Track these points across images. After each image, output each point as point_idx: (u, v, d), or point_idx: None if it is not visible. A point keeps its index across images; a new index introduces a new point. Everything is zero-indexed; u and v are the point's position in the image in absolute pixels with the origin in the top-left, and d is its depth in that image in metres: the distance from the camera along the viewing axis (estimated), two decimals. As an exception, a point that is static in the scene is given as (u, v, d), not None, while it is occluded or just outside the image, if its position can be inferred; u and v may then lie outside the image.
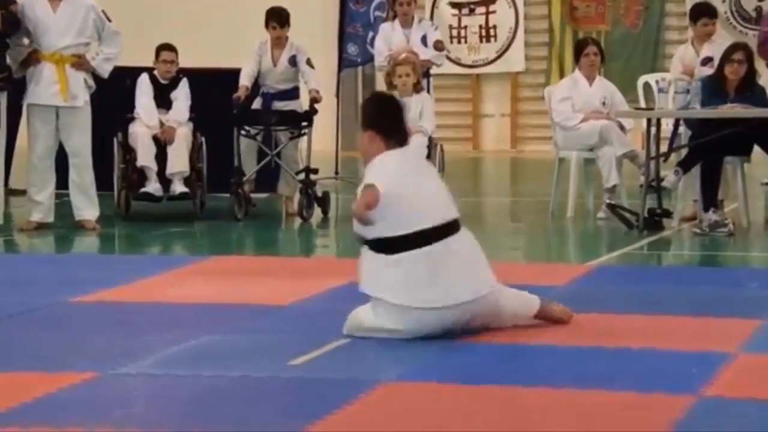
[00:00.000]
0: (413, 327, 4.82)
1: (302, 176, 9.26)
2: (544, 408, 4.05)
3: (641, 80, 11.12)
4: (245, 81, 9.35)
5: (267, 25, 9.49)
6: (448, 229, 4.88)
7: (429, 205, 4.90)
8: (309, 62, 9.45)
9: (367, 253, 4.90)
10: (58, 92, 8.50)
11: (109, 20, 8.72)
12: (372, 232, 4.85)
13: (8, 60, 8.52)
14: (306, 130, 9.24)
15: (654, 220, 8.51)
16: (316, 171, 9.42)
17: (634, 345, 4.87)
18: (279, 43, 9.49)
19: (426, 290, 4.79)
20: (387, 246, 4.83)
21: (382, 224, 4.81)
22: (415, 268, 4.80)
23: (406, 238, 4.82)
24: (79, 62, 8.58)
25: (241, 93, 9.25)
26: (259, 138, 9.38)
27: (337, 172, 10.65)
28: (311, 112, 9.23)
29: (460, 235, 4.93)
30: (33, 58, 8.54)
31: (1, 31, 8.27)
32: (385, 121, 4.94)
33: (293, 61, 9.49)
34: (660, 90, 9.02)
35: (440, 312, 4.83)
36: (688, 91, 8.72)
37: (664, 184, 8.64)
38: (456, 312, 4.85)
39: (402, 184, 4.87)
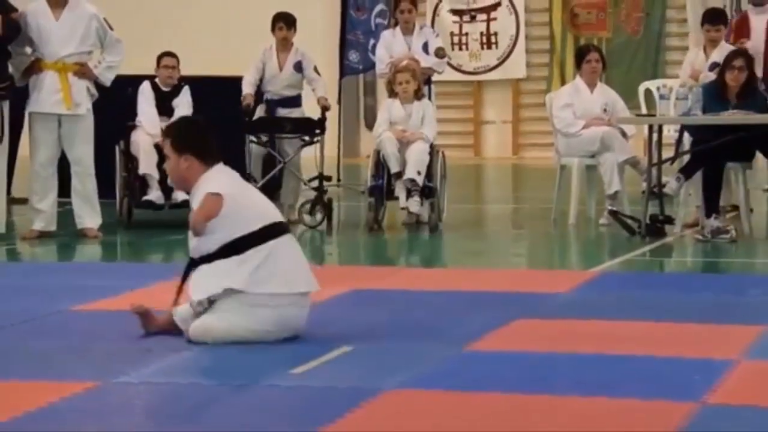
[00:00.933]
0: (264, 323, 4.96)
1: (315, 183, 9.27)
2: (547, 415, 4.04)
3: (642, 87, 11.12)
4: (248, 89, 9.37)
5: (273, 28, 9.52)
6: (281, 228, 5.15)
7: (262, 206, 5.19)
8: (316, 69, 9.49)
9: (204, 267, 5.03)
10: (60, 100, 8.51)
11: (111, 28, 8.73)
12: (216, 243, 5.01)
13: (10, 69, 8.53)
14: (318, 138, 9.27)
15: (656, 227, 8.51)
16: (329, 178, 9.44)
17: (637, 352, 4.87)
18: (285, 46, 9.50)
19: (272, 280, 5.00)
20: (235, 248, 5.01)
21: (225, 231, 5.01)
22: (264, 261, 5.00)
23: (253, 234, 5.03)
24: (82, 70, 8.59)
25: (249, 101, 9.28)
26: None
27: (339, 179, 10.66)
28: (323, 120, 9.27)
29: (290, 236, 5.18)
30: (35, 66, 8.55)
31: (1, 39, 8.27)
32: (198, 143, 5.17)
33: (299, 67, 9.51)
34: (661, 96, 9.03)
35: (289, 299, 5.01)
36: (688, 98, 8.73)
37: (665, 190, 8.64)
38: (299, 303, 5.04)
39: (237, 190, 5.15)
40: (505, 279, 6.93)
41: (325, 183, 9.28)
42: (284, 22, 9.48)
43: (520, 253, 8.77)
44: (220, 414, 4.09)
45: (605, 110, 9.40)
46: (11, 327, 5.41)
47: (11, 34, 8.32)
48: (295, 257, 5.12)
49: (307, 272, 5.13)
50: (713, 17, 9.46)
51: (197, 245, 5.07)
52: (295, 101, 9.65)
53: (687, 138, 8.91)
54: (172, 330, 5.11)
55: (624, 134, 9.32)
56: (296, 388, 4.38)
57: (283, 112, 9.57)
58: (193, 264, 5.08)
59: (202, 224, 5.02)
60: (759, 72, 9.00)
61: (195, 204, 5.10)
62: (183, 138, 5.17)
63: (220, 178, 5.11)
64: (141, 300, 5.99)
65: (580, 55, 9.62)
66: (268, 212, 5.15)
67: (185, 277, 5.11)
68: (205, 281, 5.02)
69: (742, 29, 9.64)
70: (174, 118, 9.23)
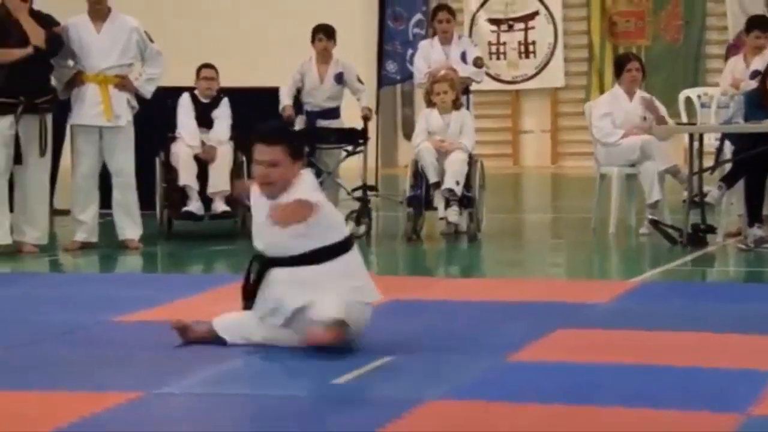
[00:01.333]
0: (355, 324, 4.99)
1: (358, 193, 9.29)
2: (589, 426, 4.02)
3: (682, 95, 11.07)
4: (287, 100, 9.41)
5: (313, 40, 9.56)
6: (352, 240, 5.23)
7: (340, 217, 5.29)
8: (359, 79, 9.53)
9: (279, 271, 5.00)
10: (101, 113, 8.57)
11: (152, 41, 8.80)
12: (301, 248, 4.99)
13: (53, 81, 8.61)
14: (361, 148, 9.29)
15: (698, 236, 8.45)
16: (373, 188, 9.47)
17: (679, 363, 4.83)
18: (325, 57, 9.53)
19: (367, 287, 5.10)
20: (317, 257, 5.00)
21: (314, 238, 5.00)
22: (354, 269, 5.09)
23: (337, 245, 5.07)
24: (122, 83, 8.66)
25: (290, 112, 9.32)
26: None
27: (377, 189, 10.66)
28: (366, 130, 9.30)
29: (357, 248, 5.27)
30: (77, 79, 8.62)
31: (45, 52, 8.35)
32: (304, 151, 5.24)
33: (340, 79, 9.54)
34: (702, 105, 8.97)
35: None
36: (729, 106, 8.67)
37: (707, 199, 8.59)
38: (366, 311, 5.13)
39: (323, 197, 5.20)
40: (544, 289, 6.90)
41: (368, 193, 9.30)
42: (324, 33, 9.52)
43: (559, 263, 8.74)
44: (263, 424, 4.10)
45: (644, 118, 9.36)
46: (54, 338, 5.45)
47: (54, 47, 8.40)
48: (363, 268, 5.19)
49: (372, 282, 5.18)
50: (762, 24, 9.39)
51: (278, 242, 4.98)
52: (334, 113, 9.69)
53: (728, 146, 8.86)
54: (212, 342, 5.09)
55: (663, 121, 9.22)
56: (338, 399, 4.38)
57: (323, 123, 9.60)
58: (267, 263, 5.01)
59: (295, 222, 4.94)
60: None
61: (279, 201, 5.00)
62: (299, 144, 5.14)
63: (314, 183, 5.14)
64: (181, 311, 6.03)
65: (620, 64, 9.58)
66: (344, 223, 5.26)
67: (259, 278, 5.04)
68: (301, 284, 4.96)
69: None
70: (216, 129, 9.32)
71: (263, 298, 5.07)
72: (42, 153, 8.40)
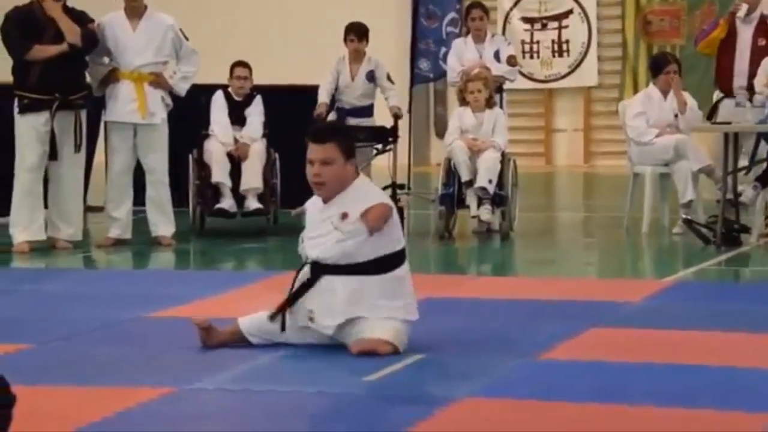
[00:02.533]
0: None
1: (388, 192, 9.28)
2: (622, 425, 4.01)
3: (717, 94, 10.98)
4: (324, 97, 9.41)
5: (345, 39, 9.56)
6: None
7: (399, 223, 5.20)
8: (389, 77, 9.51)
9: (344, 279, 4.93)
10: (136, 110, 8.62)
11: (187, 39, 8.83)
12: (366, 255, 4.93)
13: (88, 78, 8.67)
14: (391, 146, 9.28)
15: (732, 236, 8.40)
16: (402, 186, 9.45)
17: (712, 362, 4.81)
18: (357, 57, 9.54)
19: (412, 305, 5.07)
20: (385, 264, 4.96)
21: (380, 244, 4.96)
22: (406, 284, 5.07)
23: (400, 253, 5.06)
24: (157, 80, 8.69)
25: (322, 110, 9.32)
26: None
27: (409, 188, 10.66)
28: (396, 128, 9.29)
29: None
30: (112, 76, 8.66)
31: (80, 49, 8.41)
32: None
33: (371, 77, 9.54)
34: (737, 104, 8.91)
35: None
36: (765, 105, 8.61)
37: (742, 199, 8.53)
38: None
39: None
40: (577, 288, 6.89)
41: (403, 192, 9.30)
42: (355, 34, 9.51)
43: (592, 261, 8.71)
44: (294, 421, 4.11)
45: (676, 116, 9.30)
46: (87, 334, 5.49)
47: (89, 44, 8.45)
48: (410, 281, 5.11)
49: (414, 298, 5.11)
50: None
51: (344, 250, 4.91)
52: (366, 111, 9.68)
53: (763, 146, 8.79)
54: (236, 342, 5.03)
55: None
56: (369, 396, 4.39)
57: (353, 121, 9.60)
58: (323, 270, 4.94)
59: (382, 226, 4.91)
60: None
61: (360, 209, 4.93)
62: (350, 142, 5.07)
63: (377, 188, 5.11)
64: (213, 308, 6.06)
65: (658, 65, 9.52)
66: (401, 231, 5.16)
67: (312, 282, 4.95)
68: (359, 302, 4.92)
69: None
70: (249, 127, 9.34)
71: (316, 303, 4.94)
72: (77, 149, 8.45)
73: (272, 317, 5.02)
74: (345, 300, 4.93)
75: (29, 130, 8.33)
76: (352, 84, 9.56)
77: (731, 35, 9.42)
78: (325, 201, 5.01)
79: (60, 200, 8.52)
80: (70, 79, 8.40)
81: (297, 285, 5.01)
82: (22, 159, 8.39)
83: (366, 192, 5.03)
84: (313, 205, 5.10)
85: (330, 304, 4.94)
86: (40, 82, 8.28)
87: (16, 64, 8.36)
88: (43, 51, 8.30)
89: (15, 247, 8.33)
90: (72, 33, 8.35)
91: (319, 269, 4.96)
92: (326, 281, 4.95)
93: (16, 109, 8.38)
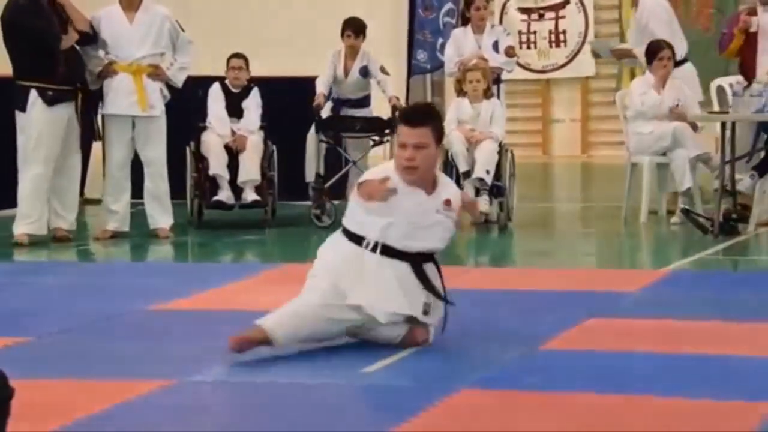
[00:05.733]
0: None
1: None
2: (622, 415, 4.01)
3: (714, 83, 10.99)
4: (322, 88, 9.38)
5: (342, 34, 9.53)
6: None
7: None
8: (383, 69, 9.47)
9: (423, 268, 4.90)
10: (135, 102, 8.61)
11: (183, 30, 8.82)
12: (439, 244, 4.95)
13: (88, 76, 8.64)
14: (388, 137, 9.28)
15: (729, 225, 8.40)
16: None
17: (711, 351, 4.82)
18: (352, 53, 9.52)
19: None
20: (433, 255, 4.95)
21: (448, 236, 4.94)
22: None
23: None
24: (156, 72, 8.68)
25: (320, 101, 9.29)
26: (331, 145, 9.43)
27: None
28: (394, 119, 9.27)
29: None
30: (110, 69, 8.65)
31: (90, 38, 8.41)
32: None
33: (364, 72, 9.52)
34: (734, 93, 8.91)
35: None
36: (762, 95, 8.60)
37: (739, 188, 8.53)
38: None
39: None
40: (575, 278, 6.89)
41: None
42: (352, 30, 9.47)
43: (590, 252, 8.71)
44: (295, 412, 4.12)
45: (677, 105, 9.30)
46: (86, 326, 5.49)
47: (96, 34, 8.47)
48: None
49: None
50: None
51: (444, 240, 4.89)
52: (362, 102, 9.67)
53: (761, 136, 8.79)
54: (261, 343, 4.73)
55: (695, 126, 9.20)
56: (369, 387, 4.39)
57: (350, 112, 9.60)
58: (426, 258, 4.87)
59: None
60: None
61: (452, 194, 4.86)
62: (443, 127, 4.94)
63: None
64: (212, 300, 6.06)
65: (652, 51, 9.52)
66: None
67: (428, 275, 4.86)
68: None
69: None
70: (246, 119, 9.33)
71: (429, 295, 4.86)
72: (96, 138, 8.46)
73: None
74: (443, 286, 4.92)
75: (53, 122, 8.26)
76: (345, 80, 9.55)
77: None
78: (414, 185, 4.77)
79: (66, 190, 8.51)
80: (83, 67, 8.40)
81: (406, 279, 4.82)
82: (38, 151, 8.26)
83: (445, 178, 5.01)
84: (405, 192, 4.79)
85: (426, 294, 4.89)
86: (67, 72, 8.26)
87: (35, 54, 8.18)
88: (67, 41, 8.28)
89: (15, 238, 8.31)
90: (83, 21, 8.34)
91: (423, 258, 4.86)
92: (432, 270, 4.90)
93: (33, 102, 8.22)
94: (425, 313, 4.87)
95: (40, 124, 8.27)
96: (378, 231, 4.79)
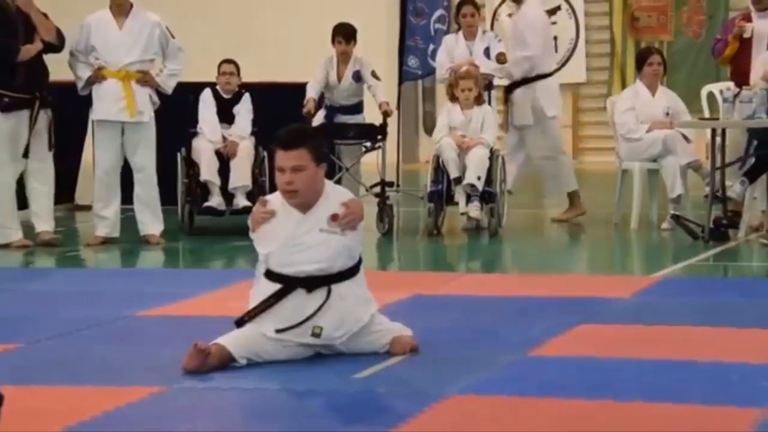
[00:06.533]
0: None
1: (376, 190, 9.28)
2: (612, 421, 4.01)
3: (705, 90, 11.02)
4: (312, 93, 9.34)
5: (333, 41, 9.53)
6: None
7: None
8: (374, 74, 9.47)
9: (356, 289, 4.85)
10: (124, 108, 8.60)
11: (173, 36, 8.81)
12: (346, 262, 4.86)
13: (80, 84, 8.61)
14: (380, 144, 9.28)
15: (720, 231, 8.42)
16: (391, 184, 9.45)
17: (702, 357, 4.82)
18: (345, 59, 9.51)
19: None
20: (356, 269, 4.88)
21: (356, 248, 4.89)
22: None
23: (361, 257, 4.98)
24: (145, 78, 8.68)
25: (310, 106, 9.26)
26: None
27: (398, 185, 10.66)
28: (385, 125, 9.27)
29: None
30: (98, 74, 8.64)
31: (55, 48, 8.39)
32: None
33: (357, 77, 9.52)
34: (724, 100, 8.93)
35: None
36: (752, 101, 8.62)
37: (729, 194, 8.55)
38: None
39: None
40: (566, 284, 6.90)
41: (390, 190, 9.29)
42: (343, 36, 9.44)
43: (581, 258, 8.72)
44: (285, 419, 4.11)
45: (667, 114, 9.33)
46: (76, 332, 5.48)
47: (62, 44, 8.46)
48: None
49: None
50: None
51: (331, 256, 4.75)
52: (355, 108, 9.67)
53: (751, 142, 8.81)
54: (223, 366, 4.64)
55: (686, 138, 9.23)
56: (360, 393, 4.39)
57: (342, 118, 9.59)
58: (324, 281, 4.75)
59: (360, 222, 4.80)
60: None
61: (334, 211, 4.77)
62: (321, 146, 4.84)
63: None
64: (203, 306, 6.05)
65: (641, 58, 9.55)
66: None
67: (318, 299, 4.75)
68: (362, 303, 4.85)
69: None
70: (238, 125, 9.32)
71: (326, 317, 4.74)
72: (50, 147, 8.42)
73: (240, 323, 4.78)
74: (353, 306, 4.80)
75: (6, 130, 8.26)
76: (339, 85, 9.54)
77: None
78: (299, 209, 4.77)
79: (42, 197, 8.49)
80: (46, 76, 8.38)
81: (283, 303, 4.73)
82: None
83: (339, 192, 4.93)
84: (283, 215, 4.79)
85: (341, 315, 4.77)
86: (26, 81, 8.25)
87: None
88: (27, 52, 8.27)
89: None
90: (48, 31, 8.33)
91: (317, 281, 4.75)
92: (334, 292, 4.77)
93: None
94: (315, 335, 4.74)
95: None
96: (264, 259, 4.81)
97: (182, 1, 15.44)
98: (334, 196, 4.86)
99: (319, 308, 4.73)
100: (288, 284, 4.74)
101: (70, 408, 4.18)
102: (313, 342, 4.79)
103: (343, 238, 4.79)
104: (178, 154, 9.31)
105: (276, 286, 4.77)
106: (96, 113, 8.70)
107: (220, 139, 9.28)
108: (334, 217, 4.79)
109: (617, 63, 15.71)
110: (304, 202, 4.79)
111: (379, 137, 9.30)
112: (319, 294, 4.75)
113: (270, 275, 4.80)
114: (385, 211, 9.16)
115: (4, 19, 8.24)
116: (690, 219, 8.69)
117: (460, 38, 9.68)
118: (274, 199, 4.86)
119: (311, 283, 4.75)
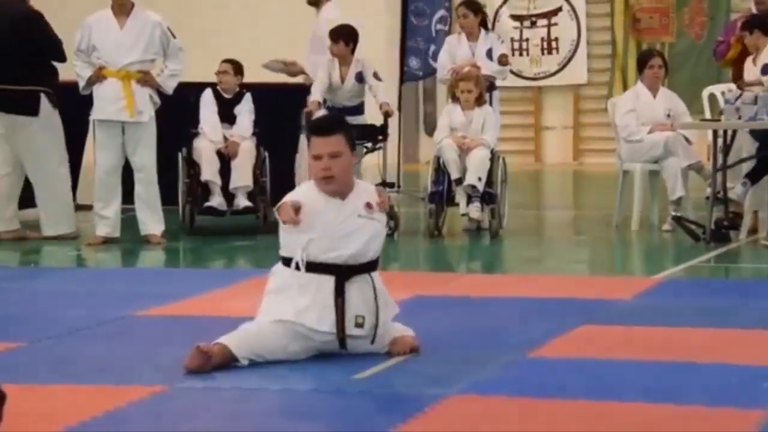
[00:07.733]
0: None
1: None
2: (612, 422, 4.01)
3: (706, 91, 11.02)
4: (317, 95, 9.31)
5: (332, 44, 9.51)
6: None
7: None
8: (376, 75, 9.46)
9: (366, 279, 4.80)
10: (124, 108, 8.60)
11: (174, 36, 8.82)
12: (376, 250, 4.88)
13: (81, 82, 8.63)
14: (381, 144, 9.27)
15: (721, 233, 8.41)
16: (392, 185, 9.44)
17: (703, 359, 4.82)
18: (343, 60, 9.50)
19: None
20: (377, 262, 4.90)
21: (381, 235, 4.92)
22: None
23: None
24: (145, 78, 8.68)
25: (313, 108, 9.24)
26: None
27: (399, 185, 10.66)
28: (386, 126, 9.27)
29: None
30: (99, 74, 8.64)
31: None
32: None
33: (360, 78, 9.51)
34: (726, 101, 8.93)
35: None
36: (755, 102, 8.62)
37: (731, 195, 8.55)
38: None
39: None
40: (567, 285, 6.89)
41: (391, 191, 9.28)
42: (331, 37, 9.33)
43: (582, 259, 8.72)
44: (285, 418, 4.11)
45: (668, 115, 9.33)
46: (77, 332, 5.47)
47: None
48: None
49: None
50: (761, 24, 9.32)
51: (365, 246, 4.75)
52: (356, 109, 9.65)
53: (752, 144, 8.80)
54: (225, 365, 4.64)
55: (687, 140, 9.23)
56: (360, 394, 4.39)
57: (344, 120, 9.58)
58: (356, 270, 4.74)
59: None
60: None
61: (367, 199, 4.78)
62: (353, 134, 4.86)
63: None
64: (203, 306, 6.05)
65: (643, 60, 9.55)
66: None
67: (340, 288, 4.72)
68: (389, 302, 4.84)
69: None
70: (239, 125, 9.33)
71: (363, 307, 4.72)
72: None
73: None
74: (376, 298, 4.78)
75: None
76: (342, 86, 9.54)
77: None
78: (334, 196, 4.75)
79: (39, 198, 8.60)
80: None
81: (324, 292, 4.70)
82: None
83: (363, 182, 5.01)
84: (320, 203, 4.76)
85: (370, 306, 4.76)
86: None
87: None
88: None
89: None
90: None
91: (350, 271, 4.73)
92: (364, 281, 4.75)
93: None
94: (359, 326, 4.74)
95: None
96: (301, 249, 4.76)
97: (184, 1, 15.45)
98: (362, 185, 4.94)
99: (375, 296, 4.72)
100: (331, 273, 4.70)
101: (70, 408, 4.18)
102: (354, 333, 4.73)
103: (376, 225, 4.81)
104: (179, 154, 9.31)
105: (312, 276, 4.71)
106: (96, 113, 8.71)
107: (221, 139, 9.28)
108: (368, 205, 4.80)
109: (618, 64, 15.72)
110: (339, 190, 4.78)
111: (380, 138, 9.29)
112: (357, 283, 4.73)
113: (309, 266, 4.72)
114: (390, 212, 9.15)
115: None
116: (691, 220, 8.69)
117: (463, 39, 9.67)
118: (304, 192, 4.82)
119: (348, 272, 4.73)
